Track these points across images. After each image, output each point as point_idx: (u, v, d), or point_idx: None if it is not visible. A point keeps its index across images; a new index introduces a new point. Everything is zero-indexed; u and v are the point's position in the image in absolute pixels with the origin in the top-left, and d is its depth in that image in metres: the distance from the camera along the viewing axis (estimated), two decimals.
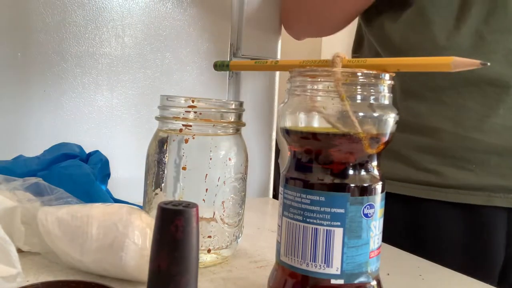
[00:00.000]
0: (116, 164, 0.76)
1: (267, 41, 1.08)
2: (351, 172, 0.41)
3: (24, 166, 0.65)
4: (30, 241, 0.51)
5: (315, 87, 0.42)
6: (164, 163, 0.53)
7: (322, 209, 0.40)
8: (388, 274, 0.54)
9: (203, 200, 0.52)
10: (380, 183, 0.42)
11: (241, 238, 0.58)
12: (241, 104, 0.56)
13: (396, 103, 0.63)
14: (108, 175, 0.72)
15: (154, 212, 0.42)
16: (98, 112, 0.92)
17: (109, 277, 0.47)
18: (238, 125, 0.55)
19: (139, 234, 0.46)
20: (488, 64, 0.39)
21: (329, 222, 0.40)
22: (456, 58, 0.39)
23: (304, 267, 0.41)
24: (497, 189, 0.71)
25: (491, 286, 0.54)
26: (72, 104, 0.90)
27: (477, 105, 0.71)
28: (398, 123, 0.42)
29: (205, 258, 0.53)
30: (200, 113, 0.52)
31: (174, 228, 0.33)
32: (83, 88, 0.91)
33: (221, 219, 0.53)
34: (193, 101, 0.52)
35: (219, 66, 0.56)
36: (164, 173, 0.53)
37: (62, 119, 0.88)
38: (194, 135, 0.52)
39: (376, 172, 0.43)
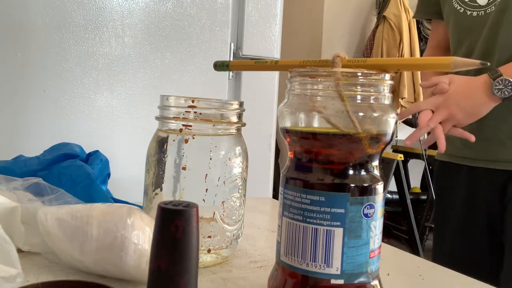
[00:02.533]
0: (116, 164, 0.77)
1: (267, 41, 1.08)
2: (351, 172, 0.41)
3: (24, 166, 0.65)
4: (30, 241, 0.51)
5: (315, 87, 0.42)
6: (164, 163, 0.53)
7: (322, 209, 0.40)
8: (388, 274, 0.54)
9: (203, 200, 0.52)
10: (381, 183, 0.42)
11: (241, 238, 0.58)
12: (241, 104, 0.56)
13: None
14: (108, 175, 0.72)
15: (154, 212, 0.42)
16: (98, 112, 0.92)
17: (109, 277, 0.47)
18: (238, 125, 0.55)
19: (139, 234, 0.46)
20: (488, 64, 0.39)
21: (329, 222, 0.40)
22: (456, 58, 0.39)
23: (304, 267, 0.41)
24: None
25: (491, 286, 0.54)
26: (72, 104, 0.90)
27: None
28: None
29: (205, 258, 0.53)
30: (200, 113, 0.52)
31: (174, 228, 0.33)
32: (83, 88, 0.91)
33: (221, 219, 0.53)
34: (193, 101, 0.52)
35: (219, 66, 0.56)
36: (164, 173, 0.53)
37: (62, 119, 0.88)
38: (194, 135, 0.52)
39: (376, 172, 0.42)
